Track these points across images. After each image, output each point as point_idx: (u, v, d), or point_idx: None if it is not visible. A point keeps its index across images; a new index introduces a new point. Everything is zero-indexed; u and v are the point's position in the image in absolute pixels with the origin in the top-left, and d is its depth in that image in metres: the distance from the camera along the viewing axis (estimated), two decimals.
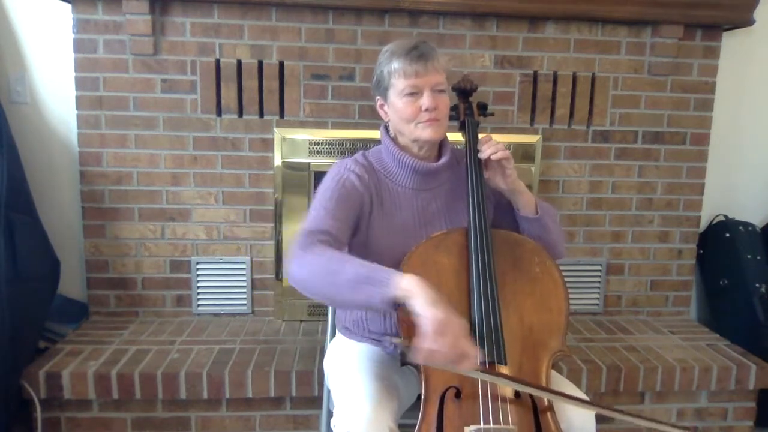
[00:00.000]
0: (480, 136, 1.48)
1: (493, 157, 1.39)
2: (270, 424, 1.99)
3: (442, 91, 1.38)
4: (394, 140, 1.46)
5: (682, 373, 2.04)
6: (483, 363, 1.20)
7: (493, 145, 1.41)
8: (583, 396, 1.32)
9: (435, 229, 1.42)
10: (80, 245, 2.29)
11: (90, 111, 2.18)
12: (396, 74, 1.36)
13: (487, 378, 1.17)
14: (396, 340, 1.10)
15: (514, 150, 2.29)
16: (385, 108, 1.44)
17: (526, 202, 1.44)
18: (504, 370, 1.22)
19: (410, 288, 1.10)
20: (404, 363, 1.22)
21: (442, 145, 1.49)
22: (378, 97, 1.45)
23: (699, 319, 2.62)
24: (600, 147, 2.38)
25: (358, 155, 1.48)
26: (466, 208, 1.40)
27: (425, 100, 1.35)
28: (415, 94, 1.35)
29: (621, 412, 1.24)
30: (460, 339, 1.07)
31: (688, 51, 2.34)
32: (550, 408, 1.21)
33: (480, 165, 1.44)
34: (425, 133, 1.37)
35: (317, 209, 1.33)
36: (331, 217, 1.31)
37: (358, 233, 1.42)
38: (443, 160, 1.45)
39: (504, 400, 1.18)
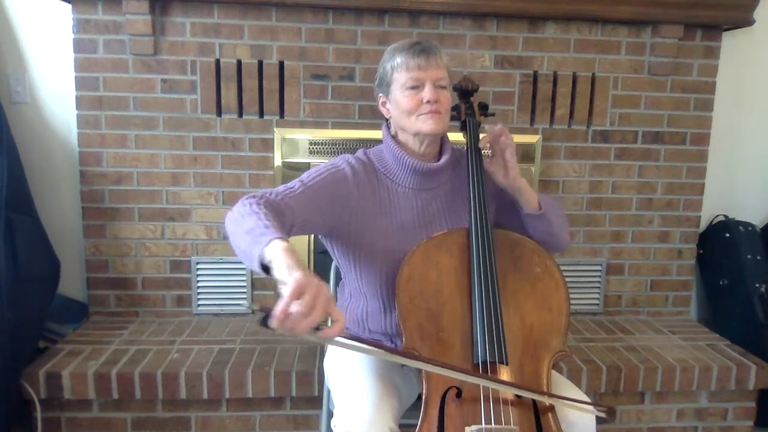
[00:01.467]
0: (481, 135, 1.48)
1: (499, 140, 1.41)
2: (270, 424, 1.99)
3: (443, 87, 1.38)
4: (396, 139, 1.46)
5: (682, 373, 2.04)
6: (485, 363, 1.21)
7: (502, 132, 1.43)
8: (583, 396, 1.32)
9: (436, 229, 1.42)
10: (80, 245, 2.29)
11: (90, 111, 2.18)
12: (399, 68, 1.37)
13: (481, 382, 1.17)
14: (254, 306, 1.05)
15: None
16: (387, 105, 1.44)
17: (528, 199, 1.44)
18: (505, 369, 1.22)
19: (274, 252, 1.06)
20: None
21: (442, 145, 1.49)
22: (380, 95, 1.46)
23: (699, 319, 2.62)
24: (600, 147, 2.38)
25: (360, 152, 1.49)
26: (467, 208, 1.40)
27: (426, 93, 1.35)
28: (416, 87, 1.36)
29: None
30: (318, 300, 0.98)
31: (688, 51, 2.34)
32: (551, 408, 1.21)
33: (481, 164, 1.44)
34: (426, 125, 1.37)
35: (296, 181, 1.35)
36: (301, 191, 1.32)
37: (347, 229, 1.40)
38: (444, 159, 1.45)
39: (505, 400, 1.18)
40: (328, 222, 1.39)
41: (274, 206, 1.23)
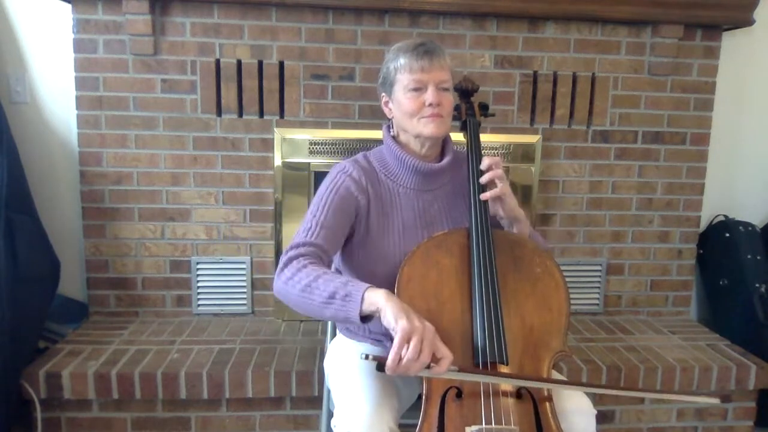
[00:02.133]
0: (483, 143, 1.47)
1: (489, 181, 1.38)
2: (270, 424, 1.99)
3: (446, 89, 1.38)
4: (397, 140, 1.46)
5: (682, 373, 2.04)
6: (485, 363, 1.20)
7: (496, 176, 1.38)
8: (582, 396, 1.32)
9: (437, 230, 1.41)
10: (80, 245, 2.29)
11: (90, 111, 2.18)
12: (402, 69, 1.37)
13: (482, 379, 1.18)
14: (368, 356, 1.10)
15: (514, 150, 2.30)
16: (390, 105, 1.44)
17: (521, 230, 1.44)
18: (505, 370, 1.22)
19: (377, 302, 1.12)
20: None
21: (444, 145, 1.49)
22: (383, 94, 1.45)
23: (699, 319, 2.62)
24: (600, 147, 2.38)
25: (359, 156, 1.48)
26: (467, 209, 1.40)
27: (429, 95, 1.35)
28: (419, 89, 1.36)
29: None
30: (426, 344, 1.08)
31: (688, 51, 2.34)
32: (549, 399, 1.21)
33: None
34: (428, 128, 1.37)
35: (308, 220, 1.35)
36: (320, 227, 1.33)
37: (356, 235, 1.42)
38: (445, 160, 1.45)
39: (506, 400, 1.18)
40: (347, 235, 1.42)
41: (317, 258, 1.28)
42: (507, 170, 2.27)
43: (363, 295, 1.14)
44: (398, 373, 1.06)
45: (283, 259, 1.28)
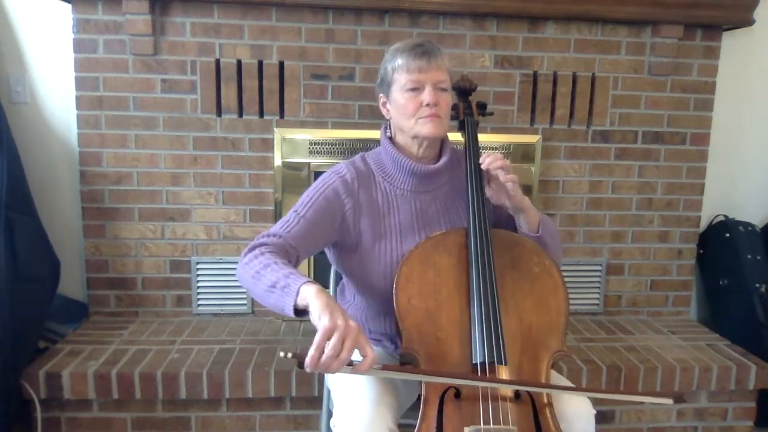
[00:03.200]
0: (483, 143, 1.47)
1: (492, 166, 1.37)
2: (270, 424, 1.99)
3: (444, 89, 1.38)
4: (393, 141, 1.46)
5: (682, 373, 2.04)
6: (483, 363, 1.21)
7: (497, 158, 1.38)
8: (581, 395, 1.32)
9: (435, 231, 1.41)
10: (80, 245, 2.29)
11: (90, 111, 2.18)
12: (399, 70, 1.37)
13: (478, 384, 1.18)
14: (288, 355, 1.08)
15: (514, 150, 2.30)
16: (387, 106, 1.44)
17: (529, 220, 1.42)
18: (504, 370, 1.22)
19: (307, 297, 1.11)
20: (403, 363, 1.22)
21: (442, 146, 1.48)
22: (381, 95, 1.45)
23: (699, 319, 2.62)
24: (600, 147, 2.38)
25: (357, 158, 1.48)
26: (465, 208, 1.40)
27: (426, 95, 1.34)
28: (417, 90, 1.35)
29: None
30: (348, 341, 1.05)
31: (688, 51, 2.34)
32: (549, 405, 1.21)
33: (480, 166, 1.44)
34: (425, 128, 1.37)
35: (290, 213, 1.36)
36: (298, 222, 1.33)
37: (347, 239, 1.41)
38: (442, 161, 1.45)
39: (504, 400, 1.18)
40: (330, 239, 1.42)
41: (279, 249, 1.27)
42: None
43: (299, 289, 1.13)
44: (319, 370, 1.04)
45: (250, 245, 1.29)
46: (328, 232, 1.39)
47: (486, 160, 1.38)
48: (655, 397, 1.24)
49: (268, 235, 1.31)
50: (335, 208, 1.39)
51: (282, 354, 1.06)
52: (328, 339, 1.04)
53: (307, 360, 1.03)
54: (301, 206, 1.37)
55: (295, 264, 1.30)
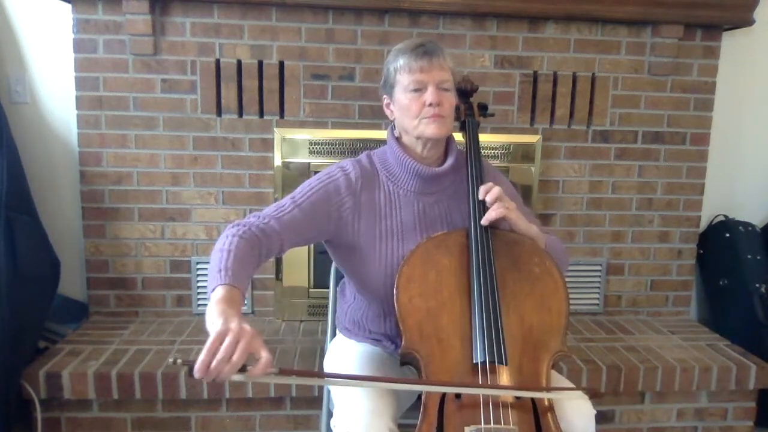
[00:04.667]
0: (484, 144, 1.47)
1: (488, 199, 1.36)
2: (270, 424, 1.99)
3: (447, 89, 1.36)
4: (400, 142, 1.45)
5: (682, 373, 2.04)
6: (483, 363, 1.20)
7: (491, 193, 1.37)
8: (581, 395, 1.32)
9: (436, 232, 1.41)
10: (80, 245, 2.29)
11: (90, 111, 2.18)
12: (401, 70, 1.36)
13: (473, 391, 1.17)
14: (178, 360, 1.00)
15: (514, 150, 2.30)
16: (391, 107, 1.43)
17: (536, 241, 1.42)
18: (504, 370, 1.21)
19: (211, 298, 1.09)
20: (404, 363, 1.21)
21: (447, 147, 1.48)
22: (384, 96, 1.44)
23: (699, 319, 2.62)
24: (600, 147, 2.38)
25: (363, 156, 1.48)
26: (467, 209, 1.40)
27: (429, 95, 1.34)
28: (419, 90, 1.35)
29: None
30: (241, 345, 0.98)
31: (688, 51, 2.34)
32: (551, 409, 1.21)
33: (481, 164, 1.44)
34: (429, 129, 1.36)
35: (287, 198, 1.36)
36: (292, 210, 1.33)
37: (344, 238, 1.40)
38: (447, 164, 1.44)
39: (504, 400, 1.18)
40: (325, 232, 1.40)
41: (256, 234, 1.25)
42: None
43: (215, 287, 1.11)
44: (209, 377, 0.97)
45: (236, 221, 1.28)
46: (322, 226, 1.38)
47: (480, 192, 1.38)
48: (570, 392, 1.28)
49: (258, 217, 1.30)
50: (333, 204, 1.38)
51: (171, 360, 1.00)
52: (221, 343, 0.98)
53: (197, 365, 0.96)
54: (299, 194, 1.36)
55: (279, 252, 1.30)
